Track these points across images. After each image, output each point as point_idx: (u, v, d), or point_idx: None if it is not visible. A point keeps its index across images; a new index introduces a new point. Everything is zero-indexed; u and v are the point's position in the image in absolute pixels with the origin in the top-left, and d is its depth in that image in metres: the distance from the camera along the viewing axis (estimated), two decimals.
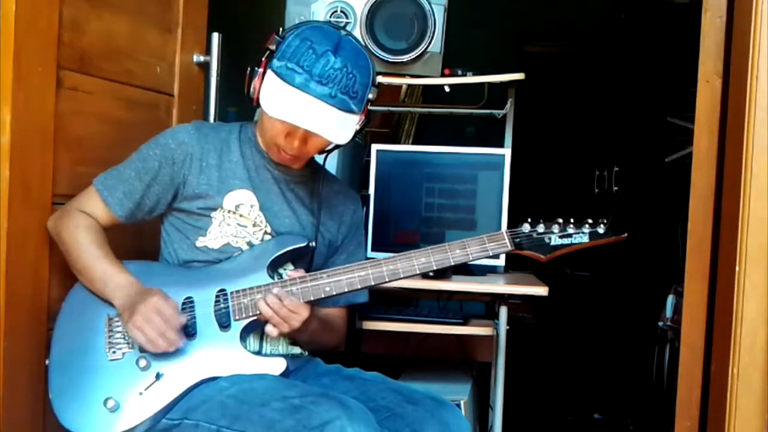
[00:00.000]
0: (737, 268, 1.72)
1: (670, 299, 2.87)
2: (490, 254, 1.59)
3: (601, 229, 1.58)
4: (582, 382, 4.01)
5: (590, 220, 1.59)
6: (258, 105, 1.57)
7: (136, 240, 1.75)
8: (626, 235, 1.58)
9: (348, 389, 1.58)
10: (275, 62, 1.54)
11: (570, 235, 1.58)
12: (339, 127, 1.53)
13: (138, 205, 1.64)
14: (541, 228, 1.59)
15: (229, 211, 1.64)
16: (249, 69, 1.59)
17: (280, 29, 1.61)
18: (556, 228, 1.59)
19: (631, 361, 3.68)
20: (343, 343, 1.84)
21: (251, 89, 1.58)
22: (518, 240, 1.59)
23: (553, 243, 1.58)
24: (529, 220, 1.60)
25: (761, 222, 1.70)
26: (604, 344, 4.29)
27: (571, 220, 1.59)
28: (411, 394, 1.59)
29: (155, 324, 1.48)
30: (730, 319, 1.73)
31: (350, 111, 1.54)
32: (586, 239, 1.58)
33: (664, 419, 2.64)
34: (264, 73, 1.56)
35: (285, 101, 1.52)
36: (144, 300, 1.50)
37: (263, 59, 1.57)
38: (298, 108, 1.51)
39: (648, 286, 3.30)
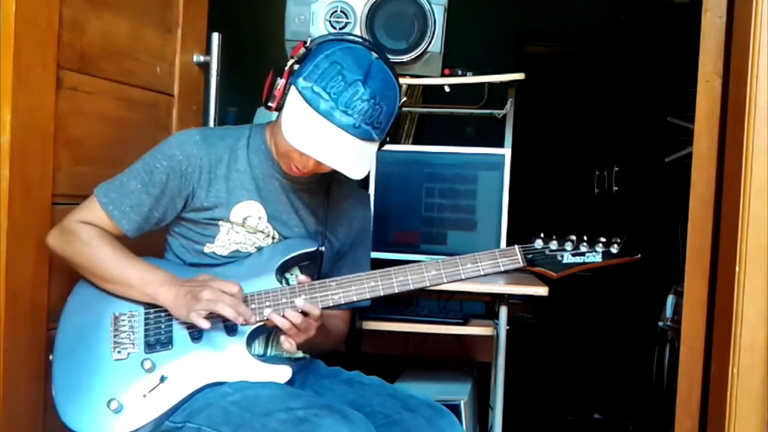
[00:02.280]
0: (737, 268, 1.72)
1: (670, 299, 2.87)
2: (502, 270, 1.56)
3: (614, 249, 1.55)
4: (582, 382, 4.01)
5: (603, 239, 1.56)
6: (277, 110, 1.54)
7: (140, 239, 1.74)
8: (639, 255, 1.56)
9: (346, 393, 1.57)
10: (301, 81, 1.49)
11: (583, 254, 1.56)
12: (358, 159, 1.49)
13: (146, 219, 1.61)
14: (554, 245, 1.56)
15: (235, 223, 1.62)
16: (272, 73, 1.53)
17: (308, 39, 1.55)
18: (569, 246, 1.56)
19: (631, 361, 3.68)
20: (344, 344, 1.84)
21: (270, 97, 1.53)
22: (530, 256, 1.56)
23: (565, 261, 1.56)
24: (542, 235, 1.57)
25: (761, 222, 1.70)
26: (604, 344, 4.30)
27: (585, 238, 1.57)
28: (408, 400, 1.58)
29: (226, 300, 1.48)
30: (730, 319, 1.73)
31: (371, 140, 1.51)
32: (599, 258, 1.56)
33: (664, 419, 2.64)
34: (286, 85, 1.52)
35: (307, 129, 1.47)
36: (201, 286, 1.50)
37: (286, 68, 1.52)
38: (320, 138, 1.46)
39: (648, 286, 3.30)
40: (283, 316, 1.50)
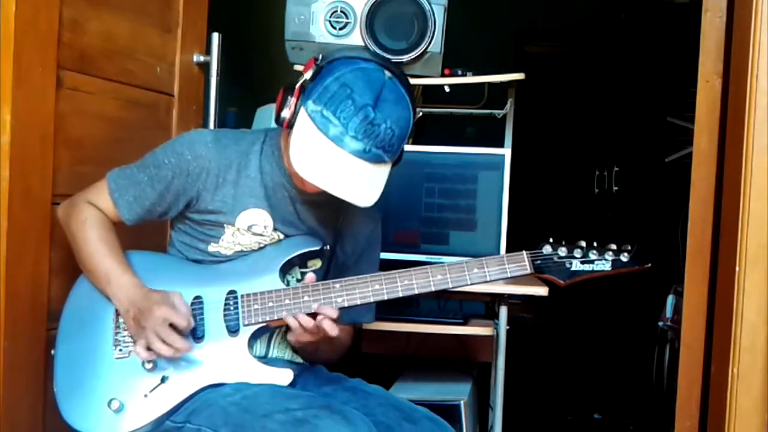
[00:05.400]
0: (737, 268, 1.72)
1: (670, 299, 2.87)
2: (509, 276, 1.52)
3: (624, 258, 1.50)
4: (582, 382, 4.01)
5: (614, 246, 1.51)
6: (289, 128, 1.50)
7: (142, 233, 1.74)
8: (650, 265, 1.51)
9: (349, 400, 1.56)
10: (311, 104, 1.45)
11: (592, 262, 1.51)
12: (370, 183, 1.46)
13: (148, 211, 1.60)
14: (562, 251, 1.51)
15: (241, 229, 1.60)
16: (282, 91, 1.50)
17: (320, 56, 1.51)
18: (578, 252, 1.51)
19: (631, 361, 3.68)
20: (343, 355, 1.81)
21: (281, 117, 1.50)
22: (538, 262, 1.52)
23: (573, 268, 1.51)
24: (551, 240, 1.53)
25: (761, 222, 1.70)
26: (604, 344, 4.30)
27: (594, 244, 1.52)
28: (411, 412, 1.56)
29: (172, 344, 1.46)
30: (730, 319, 1.73)
31: (383, 163, 1.48)
32: (608, 267, 1.51)
33: (664, 419, 2.64)
34: (297, 104, 1.48)
35: (316, 155, 1.44)
36: (150, 310, 1.48)
37: (297, 86, 1.49)
38: (329, 165, 1.42)
39: (648, 286, 3.30)
40: (296, 319, 1.50)
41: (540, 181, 5.52)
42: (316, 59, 1.51)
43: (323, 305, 1.50)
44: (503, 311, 2.16)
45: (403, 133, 1.48)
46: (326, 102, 1.44)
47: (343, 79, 1.45)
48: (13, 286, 1.57)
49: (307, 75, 1.49)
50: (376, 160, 1.45)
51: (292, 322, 1.50)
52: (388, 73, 1.48)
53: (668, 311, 2.88)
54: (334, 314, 1.50)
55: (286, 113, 1.49)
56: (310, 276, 1.56)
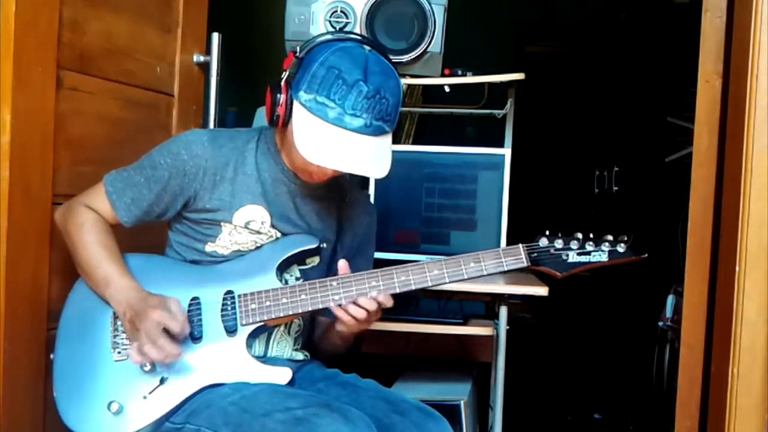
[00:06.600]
0: (737, 268, 1.72)
1: (670, 299, 2.87)
2: (506, 269, 1.53)
3: (621, 248, 1.51)
4: (582, 382, 4.01)
5: (610, 237, 1.52)
6: (284, 127, 1.51)
7: (140, 234, 1.74)
8: (646, 255, 1.51)
9: (340, 395, 1.56)
10: (303, 95, 1.47)
11: (588, 253, 1.52)
12: (377, 156, 1.48)
13: (146, 213, 1.61)
14: (559, 243, 1.52)
15: (238, 226, 1.61)
16: (270, 90, 1.50)
17: (298, 48, 1.52)
18: (574, 244, 1.52)
19: (631, 361, 3.68)
20: None
21: (274, 115, 1.50)
22: (535, 255, 1.52)
23: (570, 260, 1.52)
24: (547, 233, 1.53)
25: (761, 222, 1.70)
26: (604, 344, 4.30)
27: (591, 236, 1.53)
28: (400, 404, 1.57)
29: (162, 347, 1.45)
30: (730, 319, 1.73)
31: (385, 134, 1.50)
32: (605, 258, 1.52)
33: (664, 419, 2.64)
34: (288, 100, 1.49)
35: (321, 141, 1.46)
36: (146, 312, 1.47)
37: (283, 82, 1.50)
38: (336, 148, 1.45)
39: (648, 286, 3.31)
40: (360, 306, 1.51)
41: (540, 181, 5.52)
42: (294, 52, 1.52)
43: (380, 294, 1.52)
44: (503, 311, 2.16)
45: (397, 101, 1.51)
46: (317, 88, 1.46)
47: (328, 62, 1.47)
48: (13, 286, 1.57)
49: (290, 69, 1.51)
50: (378, 132, 1.47)
51: (359, 312, 1.52)
52: (367, 47, 1.51)
53: (668, 311, 2.88)
54: (390, 303, 1.53)
55: (279, 111, 1.50)
56: (342, 263, 1.56)
